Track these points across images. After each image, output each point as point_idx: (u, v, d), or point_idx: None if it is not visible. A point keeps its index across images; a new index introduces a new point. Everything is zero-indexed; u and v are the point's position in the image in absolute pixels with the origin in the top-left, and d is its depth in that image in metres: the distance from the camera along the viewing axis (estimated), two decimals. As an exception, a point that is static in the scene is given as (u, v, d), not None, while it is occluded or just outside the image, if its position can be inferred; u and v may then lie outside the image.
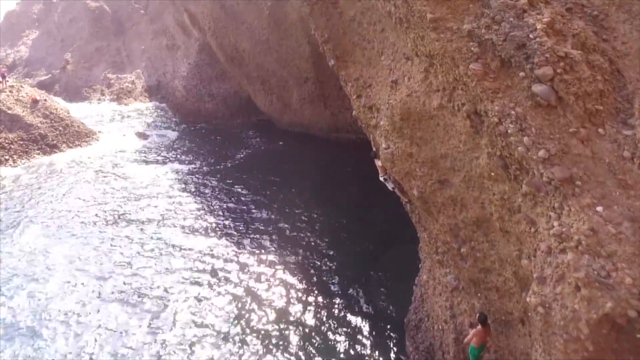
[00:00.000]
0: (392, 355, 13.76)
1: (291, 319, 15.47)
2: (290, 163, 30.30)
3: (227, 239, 20.82)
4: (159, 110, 46.48)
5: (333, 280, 17.53)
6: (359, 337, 14.50)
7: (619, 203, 6.17)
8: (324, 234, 20.81)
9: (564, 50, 6.85)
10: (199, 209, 23.97)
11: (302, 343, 14.39)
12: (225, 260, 19.12)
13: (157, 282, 17.73)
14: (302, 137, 33.34)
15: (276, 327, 15.12)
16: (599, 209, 6.13)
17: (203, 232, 21.52)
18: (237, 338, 14.72)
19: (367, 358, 13.73)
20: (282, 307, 16.08)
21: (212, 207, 24.21)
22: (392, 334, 14.49)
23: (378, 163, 12.14)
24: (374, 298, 16.21)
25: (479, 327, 9.26)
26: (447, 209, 9.40)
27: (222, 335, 14.84)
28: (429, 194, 9.65)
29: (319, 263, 18.66)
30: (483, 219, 8.62)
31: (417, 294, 14.04)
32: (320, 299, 16.38)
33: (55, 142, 33.59)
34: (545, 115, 6.72)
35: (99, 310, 16.19)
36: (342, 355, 13.87)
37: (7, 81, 36.39)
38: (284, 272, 18.04)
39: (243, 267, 18.60)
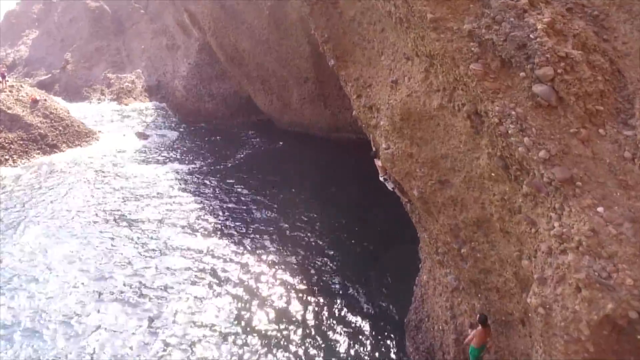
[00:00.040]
0: (393, 355, 13.75)
1: (291, 319, 15.46)
2: (290, 163, 30.29)
3: (227, 239, 20.81)
4: (159, 110, 46.47)
5: (333, 280, 17.52)
6: (359, 337, 14.49)
7: (619, 204, 6.15)
8: (324, 234, 20.80)
9: (565, 50, 6.82)
10: (199, 209, 23.96)
11: (302, 343, 14.38)
12: (225, 260, 19.10)
13: (157, 282, 17.72)
14: (302, 136, 33.33)
15: (276, 327, 15.11)
16: (600, 209, 6.12)
17: (203, 232, 21.51)
18: (237, 338, 14.71)
19: (367, 358, 13.72)
20: (282, 307, 16.07)
21: (212, 207, 24.20)
22: (392, 334, 14.48)
23: (378, 163, 12.12)
24: (374, 298, 16.20)
25: (479, 327, 9.25)
26: (448, 209, 9.39)
27: (222, 335, 14.83)
28: (429, 194, 9.63)
29: (319, 263, 18.65)
30: (483, 220, 8.60)
31: (417, 294, 14.03)
32: (320, 299, 16.37)
33: (55, 142, 33.58)
34: (545, 116, 6.70)
35: (99, 310, 16.18)
36: (342, 356, 13.86)
37: (7, 81, 36.37)
38: (284, 272, 18.03)
39: (243, 266, 18.59)
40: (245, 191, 26.05)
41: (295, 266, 18.45)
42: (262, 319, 15.51)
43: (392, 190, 12.36)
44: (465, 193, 8.81)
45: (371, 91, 11.66)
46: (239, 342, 14.52)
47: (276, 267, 18.45)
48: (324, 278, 17.68)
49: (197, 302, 16.48)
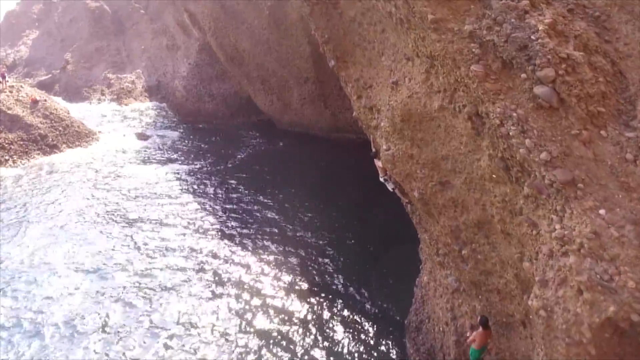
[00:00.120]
0: (393, 357, 13.72)
1: (291, 319, 15.44)
2: (290, 163, 30.28)
3: (227, 239, 20.80)
4: (159, 110, 46.45)
5: (333, 281, 17.50)
6: (360, 338, 14.47)
7: (621, 206, 6.12)
8: (324, 234, 20.78)
9: (566, 51, 6.80)
10: (199, 209, 23.94)
11: (302, 343, 14.36)
12: (226, 260, 19.10)
13: (158, 282, 17.70)
14: (303, 137, 33.32)
15: (276, 327, 15.09)
16: (602, 211, 6.09)
17: (204, 232, 21.50)
18: (237, 337, 14.69)
19: (367, 359, 13.69)
20: (282, 307, 16.04)
21: (212, 207, 24.18)
22: (392, 335, 14.46)
23: (378, 163, 12.10)
24: (375, 298, 16.18)
25: (480, 329, 9.22)
26: (448, 210, 9.36)
27: (223, 335, 14.81)
28: (430, 195, 9.60)
29: (319, 263, 18.63)
30: (484, 221, 8.57)
31: (417, 296, 14.00)
32: (320, 299, 16.35)
33: (55, 142, 33.57)
34: (547, 117, 6.67)
35: (100, 311, 16.16)
36: (342, 356, 13.83)
37: (7, 81, 36.36)
38: (284, 272, 18.01)
39: (243, 266, 18.58)
40: (245, 191, 26.04)
41: (296, 266, 18.44)
42: (262, 319, 15.49)
43: (392, 191, 12.33)
44: (466, 194, 8.78)
45: (372, 92, 11.63)
46: (239, 341, 14.50)
47: (276, 267, 18.44)
48: (324, 278, 17.66)
49: (198, 302, 16.47)
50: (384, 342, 14.25)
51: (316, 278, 17.70)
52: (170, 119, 43.35)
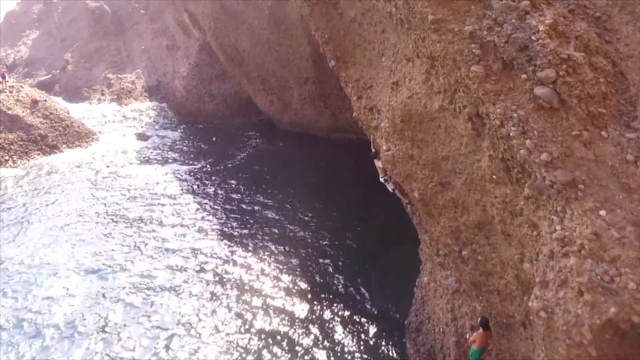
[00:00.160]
0: (393, 357, 13.71)
1: (291, 319, 15.43)
2: (290, 163, 30.26)
3: (227, 239, 20.80)
4: (159, 111, 46.43)
5: (333, 280, 17.50)
6: (360, 338, 14.46)
7: (622, 207, 6.11)
8: (324, 234, 20.78)
9: (567, 52, 6.78)
10: (199, 210, 23.93)
11: (302, 343, 14.35)
12: (226, 260, 19.10)
13: (159, 282, 17.71)
14: (303, 137, 33.30)
15: (276, 327, 15.09)
16: (602, 212, 6.08)
17: (204, 232, 21.49)
18: (237, 337, 14.71)
19: (367, 359, 13.68)
20: (282, 307, 16.03)
21: (213, 208, 24.17)
22: (392, 335, 14.44)
23: (378, 164, 12.09)
24: (375, 299, 16.17)
25: (481, 330, 9.21)
26: (448, 211, 9.35)
27: (223, 334, 14.81)
28: (430, 196, 9.59)
29: (319, 263, 18.63)
30: (484, 222, 8.56)
31: (417, 296, 13.99)
32: (320, 299, 16.34)
33: (55, 142, 33.55)
34: (547, 118, 6.65)
35: (100, 311, 16.17)
36: (342, 357, 13.82)
37: (7, 81, 36.35)
38: (284, 272, 18.00)
39: (243, 266, 18.58)
40: (245, 191, 26.03)
41: (296, 266, 18.43)
42: (262, 319, 15.49)
43: (392, 191, 12.32)
44: (467, 195, 8.77)
45: (372, 92, 11.62)
46: (239, 342, 14.50)
47: (276, 267, 18.43)
48: (324, 278, 17.65)
49: (198, 303, 16.47)
50: (384, 343, 14.24)
51: (316, 278, 17.69)
52: (170, 119, 43.34)
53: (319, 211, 22.82)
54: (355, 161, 23.76)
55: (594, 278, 5.73)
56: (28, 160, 31.68)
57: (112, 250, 20.16)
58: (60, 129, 34.54)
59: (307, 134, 33.25)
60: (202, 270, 18.47)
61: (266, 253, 19.50)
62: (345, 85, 13.20)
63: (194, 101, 42.04)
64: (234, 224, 22.20)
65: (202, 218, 22.96)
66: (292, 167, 29.48)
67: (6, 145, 31.57)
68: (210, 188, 26.79)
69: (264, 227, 21.74)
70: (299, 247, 19.88)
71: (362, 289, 16.80)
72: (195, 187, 27.02)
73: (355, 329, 14.85)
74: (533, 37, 6.89)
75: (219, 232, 21.47)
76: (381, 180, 12.40)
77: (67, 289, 17.49)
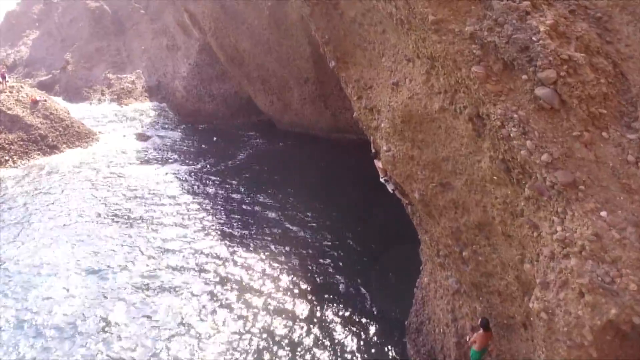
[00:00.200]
0: (393, 357, 13.69)
1: (291, 319, 15.42)
2: (291, 163, 30.25)
3: (228, 239, 20.80)
4: (159, 111, 46.43)
5: (333, 280, 17.49)
6: (360, 338, 14.45)
7: (623, 208, 6.10)
8: (324, 234, 20.77)
9: (568, 52, 6.77)
10: (200, 210, 23.92)
11: (302, 343, 14.34)
12: (227, 260, 19.09)
13: (159, 282, 17.70)
14: (303, 137, 33.30)
15: (277, 327, 15.07)
16: (603, 213, 6.07)
17: (204, 232, 21.49)
18: (237, 337, 14.70)
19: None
20: (282, 307, 16.02)
21: (213, 208, 24.17)
22: (393, 335, 14.43)
23: (378, 164, 12.08)
24: (375, 299, 16.16)
25: (481, 331, 9.20)
26: (449, 212, 9.33)
27: (224, 334, 14.81)
28: (431, 197, 9.58)
29: (319, 263, 18.62)
30: (485, 223, 8.55)
31: (418, 297, 13.98)
32: (320, 299, 16.33)
33: (55, 142, 33.55)
34: (548, 119, 6.64)
35: (101, 311, 16.16)
36: (342, 357, 13.81)
37: (8, 81, 36.34)
38: (284, 272, 17.99)
39: (243, 266, 18.57)
40: (245, 192, 26.03)
41: (296, 266, 18.43)
42: (262, 319, 15.47)
43: (392, 192, 12.31)
44: (467, 196, 8.75)
45: (372, 93, 11.61)
46: (239, 341, 14.48)
47: (276, 267, 18.42)
48: (325, 278, 17.65)
49: (198, 302, 16.47)
50: (384, 343, 14.22)
51: (316, 278, 17.68)
52: (170, 119, 43.33)
53: (319, 211, 22.81)
54: (356, 161, 23.78)
55: (595, 279, 5.72)
56: (28, 160, 31.68)
57: (113, 250, 20.15)
58: (60, 129, 34.53)
59: (307, 134, 33.25)
60: (203, 270, 18.47)
61: (266, 253, 19.49)
62: (346, 85, 13.19)
63: (194, 101, 42.04)
64: (234, 224, 22.20)
65: (203, 218, 22.94)
66: (293, 167, 29.47)
67: (6, 146, 31.56)
68: (210, 188, 26.78)
69: (264, 227, 21.73)
70: (299, 247, 19.87)
71: (362, 289, 16.79)
72: (195, 187, 27.01)
73: (355, 329, 14.84)
74: (534, 38, 6.87)
75: (219, 232, 21.46)
76: (382, 180, 12.38)
77: (68, 289, 17.48)
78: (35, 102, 34.53)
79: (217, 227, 21.96)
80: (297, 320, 15.43)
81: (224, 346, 14.40)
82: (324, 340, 14.47)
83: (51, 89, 52.47)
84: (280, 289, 17.12)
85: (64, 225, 22.67)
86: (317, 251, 19.50)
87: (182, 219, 22.90)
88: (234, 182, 27.51)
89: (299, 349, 14.17)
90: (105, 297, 16.93)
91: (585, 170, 6.36)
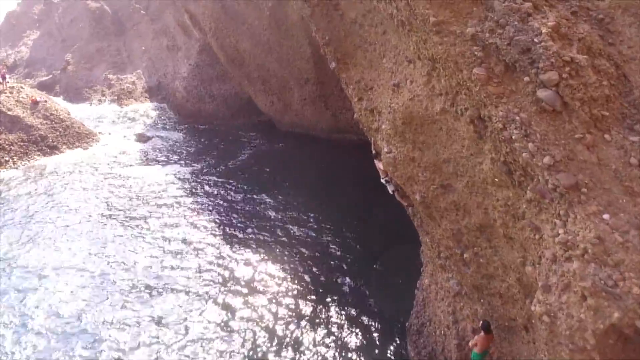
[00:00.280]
0: (394, 358, 13.66)
1: (291, 319, 15.39)
2: (291, 164, 30.24)
3: (228, 239, 20.80)
4: (159, 111, 46.44)
5: (333, 281, 17.47)
6: (360, 339, 14.42)
7: (625, 211, 6.06)
8: (324, 234, 20.76)
9: (570, 54, 6.73)
10: (200, 210, 23.91)
11: (301, 343, 14.31)
12: (227, 260, 19.09)
13: (160, 282, 17.70)
14: (303, 137, 33.29)
15: (276, 328, 15.04)
16: (606, 216, 6.03)
17: (205, 232, 21.48)
18: (236, 336, 14.70)
19: (368, 361, 13.65)
20: (282, 307, 15.99)
21: (214, 208, 24.16)
22: (393, 336, 14.40)
23: (379, 165, 12.05)
24: (376, 299, 16.14)
25: (482, 334, 9.17)
26: (450, 214, 9.30)
27: (224, 334, 14.81)
28: (432, 198, 9.55)
29: (319, 263, 18.60)
30: (486, 225, 8.51)
31: (419, 298, 13.94)
32: (320, 299, 16.30)
33: (55, 143, 33.54)
34: (550, 121, 6.60)
35: (102, 311, 16.15)
36: (341, 357, 13.77)
37: (8, 82, 36.35)
38: (285, 272, 17.97)
39: (244, 266, 18.56)
40: (246, 192, 26.01)
41: (296, 266, 18.41)
42: (262, 320, 15.44)
43: (392, 193, 12.27)
44: (468, 198, 8.72)
45: (372, 94, 11.57)
46: (239, 341, 14.47)
47: (277, 267, 18.41)
48: (325, 278, 17.63)
49: (200, 302, 16.48)
50: (384, 343, 14.19)
51: (316, 278, 17.66)
52: (170, 119, 43.33)
53: (320, 211, 22.80)
54: (356, 162, 23.77)
55: (598, 282, 5.69)
56: (28, 161, 31.67)
57: (114, 250, 20.14)
58: (60, 129, 34.52)
59: (308, 134, 33.24)
60: (203, 270, 18.46)
61: (267, 253, 19.48)
62: (346, 86, 13.16)
63: (194, 102, 42.04)
64: (235, 224, 22.19)
65: (203, 219, 22.93)
66: (293, 167, 29.46)
67: (6, 146, 31.55)
68: (211, 189, 26.77)
69: (265, 228, 21.71)
70: (299, 247, 19.86)
71: (363, 289, 16.78)
72: (196, 187, 27.00)
73: (355, 329, 14.81)
74: (535, 40, 6.83)
75: (220, 233, 21.46)
76: (382, 181, 12.35)
77: (69, 290, 17.46)
78: (35, 103, 34.52)
79: (218, 228, 21.95)
80: (297, 319, 15.41)
81: (225, 345, 14.40)
82: (324, 340, 14.44)
83: (51, 90, 52.50)
84: (281, 289, 17.10)
85: (65, 225, 22.66)
86: (317, 251, 19.49)
87: (183, 219, 22.89)
88: (235, 182, 27.49)
89: (298, 349, 14.14)
90: (106, 297, 16.92)
91: (587, 172, 6.32)
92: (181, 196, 25.76)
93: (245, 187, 26.72)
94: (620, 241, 5.83)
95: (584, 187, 6.23)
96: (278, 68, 31.91)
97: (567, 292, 6.05)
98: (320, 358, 13.82)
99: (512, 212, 7.62)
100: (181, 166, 30.89)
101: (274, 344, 14.43)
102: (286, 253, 19.45)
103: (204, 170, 29.88)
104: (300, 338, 14.63)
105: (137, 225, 22.39)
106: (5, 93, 34.06)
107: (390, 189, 12.14)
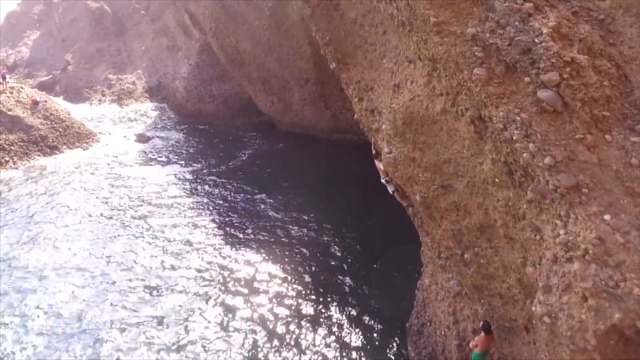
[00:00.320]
0: (394, 359, 13.66)
1: (291, 319, 15.38)
2: (291, 164, 30.24)
3: (228, 239, 20.79)
4: (159, 111, 46.44)
5: (333, 281, 17.46)
6: (360, 338, 14.41)
7: (626, 211, 6.05)
8: (324, 234, 20.75)
9: (570, 55, 6.72)
10: (200, 210, 23.91)
11: (301, 343, 14.30)
12: (227, 260, 19.09)
13: (160, 282, 17.69)
14: (303, 138, 33.29)
15: (276, 328, 15.03)
16: (607, 217, 6.02)
17: (205, 232, 21.48)
18: (236, 336, 14.69)
19: (368, 361, 13.65)
20: (282, 307, 15.99)
21: (214, 208, 24.15)
22: (393, 336, 14.39)
23: (379, 165, 12.04)
24: (376, 299, 16.13)
25: (482, 334, 9.16)
26: (451, 214, 9.29)
27: (224, 333, 14.80)
28: (432, 199, 9.54)
29: (319, 263, 18.60)
30: (487, 225, 8.50)
31: (419, 298, 13.93)
32: (320, 299, 16.30)
33: (55, 143, 33.54)
34: (551, 122, 6.59)
35: (102, 311, 16.14)
36: (342, 357, 13.76)
37: (8, 82, 36.34)
38: (285, 272, 17.97)
39: (244, 266, 18.55)
40: (246, 192, 26.01)
41: (296, 266, 18.41)
42: (262, 320, 15.44)
43: (392, 193, 12.27)
44: (469, 198, 8.71)
45: (373, 94, 11.57)
46: (238, 341, 14.46)
47: (277, 267, 18.40)
48: (325, 278, 17.63)
49: (200, 302, 16.47)
50: (384, 343, 14.18)
51: (317, 278, 17.66)
52: (170, 119, 43.32)
53: (320, 211, 22.79)
54: (356, 162, 23.79)
55: (598, 283, 5.68)
56: (28, 161, 31.66)
57: (114, 250, 20.14)
58: (60, 129, 34.52)
59: (308, 134, 33.24)
60: (204, 270, 18.46)
61: (267, 253, 19.47)
62: (346, 87, 13.15)
63: (194, 102, 42.04)
64: (235, 224, 22.18)
65: (203, 219, 22.93)
66: (293, 167, 29.46)
67: (6, 146, 31.55)
68: (211, 189, 26.77)
69: (265, 228, 21.71)
70: (299, 247, 19.86)
71: (363, 289, 16.77)
72: (196, 187, 27.00)
73: (355, 329, 14.81)
74: (536, 40, 6.82)
75: (220, 233, 21.45)
76: (383, 181, 12.35)
77: (69, 290, 17.46)
78: (35, 103, 34.52)
79: (218, 228, 21.95)
80: (297, 319, 15.40)
81: (225, 345, 14.40)
82: (324, 340, 14.44)
83: (52, 90, 52.50)
84: (281, 289, 17.10)
85: (65, 226, 22.66)
86: (317, 251, 19.49)
87: (183, 219, 22.89)
88: (235, 182, 27.49)
89: (298, 349, 14.14)
90: (107, 298, 16.92)
91: (588, 173, 6.31)
92: (181, 196, 25.75)
93: (245, 187, 26.71)
94: (621, 242, 5.82)
95: (584, 188, 6.22)
96: (278, 68, 31.91)
97: (567, 293, 6.04)
98: (320, 358, 13.82)
99: (512, 212, 7.61)
100: (181, 166, 30.88)
101: (274, 344, 14.42)
102: (286, 253, 19.44)
103: (204, 171, 29.88)
104: (301, 338, 14.62)
105: (137, 225, 22.39)
106: (6, 93, 34.06)
107: (390, 189, 12.13)
